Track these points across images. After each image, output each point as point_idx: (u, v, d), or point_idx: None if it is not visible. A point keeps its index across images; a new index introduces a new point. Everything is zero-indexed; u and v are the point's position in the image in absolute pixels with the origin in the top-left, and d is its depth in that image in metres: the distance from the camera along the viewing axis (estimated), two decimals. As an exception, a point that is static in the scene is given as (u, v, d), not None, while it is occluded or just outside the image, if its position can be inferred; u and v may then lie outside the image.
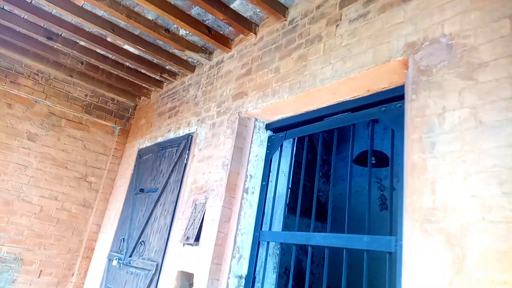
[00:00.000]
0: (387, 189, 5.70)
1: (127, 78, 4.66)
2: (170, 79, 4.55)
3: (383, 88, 2.32)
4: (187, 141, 3.68)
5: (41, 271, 4.30)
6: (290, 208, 2.94)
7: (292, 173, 3.19)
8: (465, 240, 1.44)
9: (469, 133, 1.58)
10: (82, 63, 4.42)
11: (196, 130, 3.67)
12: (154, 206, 3.68)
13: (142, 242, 3.61)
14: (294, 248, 2.62)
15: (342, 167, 6.21)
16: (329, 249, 2.31)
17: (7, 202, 4.24)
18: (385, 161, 4.46)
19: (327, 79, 2.46)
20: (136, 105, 5.33)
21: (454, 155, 1.59)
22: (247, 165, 3.03)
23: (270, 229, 2.83)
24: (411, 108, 1.86)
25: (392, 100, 2.26)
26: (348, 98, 2.52)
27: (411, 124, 1.82)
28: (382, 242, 1.96)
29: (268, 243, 2.81)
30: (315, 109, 2.79)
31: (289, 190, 3.22)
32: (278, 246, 2.94)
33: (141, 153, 4.53)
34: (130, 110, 5.29)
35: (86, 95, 4.91)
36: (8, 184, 4.28)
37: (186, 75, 4.33)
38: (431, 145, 1.68)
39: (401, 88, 2.16)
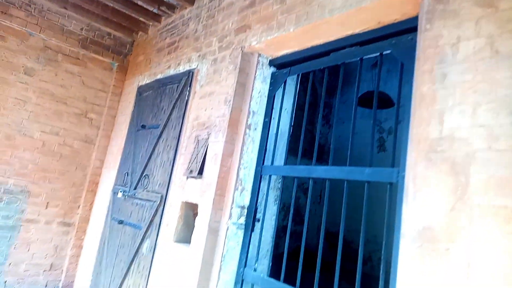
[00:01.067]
0: (385, 131, 5.76)
1: (123, 11, 4.44)
2: (169, 12, 4.34)
3: (394, 20, 2.23)
4: (188, 77, 3.61)
5: (47, 203, 4.44)
6: (291, 149, 2.97)
7: (294, 113, 3.19)
8: (470, 168, 1.47)
9: (483, 63, 1.55)
10: (75, -8, 4.18)
11: (197, 66, 3.58)
12: (157, 142, 3.71)
13: (146, 176, 3.69)
14: (295, 183, 2.68)
15: (342, 110, 6.21)
16: (329, 181, 2.37)
17: (8, 137, 4.25)
18: (386, 103, 4.44)
19: (336, 10, 2.35)
20: (134, 40, 5.15)
21: (465, 86, 1.57)
22: (250, 101, 3.00)
23: (272, 163, 2.88)
24: (424, 39, 1.80)
25: (403, 32, 2.18)
26: (357, 31, 2.43)
27: (423, 55, 1.77)
28: (384, 174, 2.01)
29: (270, 176, 2.87)
30: (321, 43, 2.70)
31: (291, 128, 3.23)
32: (280, 181, 3.01)
33: (140, 90, 4.47)
34: (128, 46, 5.12)
35: (82, 29, 4.72)
36: (8, 119, 4.26)
37: (185, 8, 4.13)
38: (442, 76, 1.65)
39: (414, 19, 2.08)
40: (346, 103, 6.08)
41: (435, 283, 1.46)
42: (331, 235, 4.61)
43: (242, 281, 2.72)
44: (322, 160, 5.86)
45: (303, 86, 4.57)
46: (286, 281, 2.43)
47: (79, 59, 4.76)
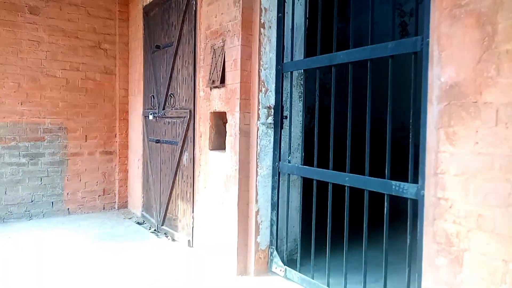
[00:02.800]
0: (407, 15, 5.43)
1: None
2: None
3: None
4: (192, -15, 3.44)
5: (86, 136, 4.72)
6: (309, 46, 2.89)
7: (308, 5, 3.04)
8: (497, 16, 1.41)
9: None
10: None
11: (200, -30, 3.38)
12: (174, 60, 3.72)
13: (171, 95, 3.78)
14: (317, 73, 2.68)
15: (358, 1, 5.81)
16: (352, 65, 2.35)
17: (33, 79, 4.38)
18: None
19: None
20: (128, -42, 4.84)
21: None
22: (260, -3, 2.87)
23: (291, 59, 2.86)
24: None
25: None
26: None
27: None
28: (407, 44, 1.97)
29: (291, 73, 2.88)
30: None
31: (307, 20, 3.12)
32: (302, 77, 3.02)
33: (146, 10, 4.34)
34: (123, -35, 4.84)
35: (72, -46, 4.46)
36: (28, 62, 4.34)
37: None
38: None
39: None
40: (362, -10, 5.67)
41: (466, 135, 1.52)
42: (358, 124, 4.71)
43: (279, 173, 2.92)
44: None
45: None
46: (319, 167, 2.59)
47: (78, -12, 4.59)
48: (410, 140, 1.95)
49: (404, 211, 1.99)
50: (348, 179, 2.34)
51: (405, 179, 1.98)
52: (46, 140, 4.48)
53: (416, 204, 1.87)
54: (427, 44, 1.78)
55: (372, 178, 2.19)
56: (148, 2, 4.33)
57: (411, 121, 1.94)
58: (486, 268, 1.45)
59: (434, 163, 1.64)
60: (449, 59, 1.57)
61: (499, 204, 1.41)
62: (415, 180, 1.90)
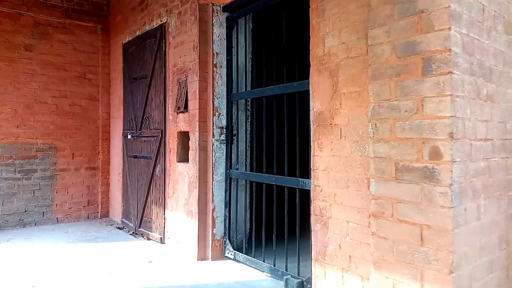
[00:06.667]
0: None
1: (95, -23, 4.99)
2: (134, -27, 4.88)
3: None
4: (161, 31, 4.33)
5: (73, 154, 5.46)
6: (259, 75, 3.81)
7: (256, 47, 3.95)
8: (338, 72, 2.33)
9: (344, -1, 2.32)
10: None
11: (167, 20, 4.28)
12: (148, 89, 4.56)
13: (146, 118, 4.61)
14: (254, 102, 3.56)
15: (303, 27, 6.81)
16: (274, 98, 3.25)
17: (28, 105, 5.13)
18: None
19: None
20: (109, 2, 5.71)
21: (335, 17, 2.36)
22: (213, 45, 3.77)
23: (237, 91, 3.75)
24: (314, -16, 2.54)
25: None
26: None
27: (313, -3, 2.53)
28: (304, 84, 2.87)
29: (237, 101, 3.76)
30: (258, -12, 3.39)
31: (251, 59, 4.02)
32: (248, 103, 3.90)
33: (126, 47, 5.19)
34: (105, 8, 5.71)
35: (62, 0, 5.30)
36: (23, 91, 5.10)
37: (148, -33, 4.67)
38: (322, 11, 2.44)
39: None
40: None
41: (327, 145, 2.42)
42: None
43: (230, 178, 3.76)
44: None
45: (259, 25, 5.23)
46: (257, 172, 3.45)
47: (66, 28, 5.42)
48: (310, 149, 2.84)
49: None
50: (274, 179, 3.21)
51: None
52: (38, 158, 5.21)
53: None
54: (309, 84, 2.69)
55: (289, 177, 3.06)
56: (127, 41, 5.19)
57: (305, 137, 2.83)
58: (339, 227, 2.32)
59: (312, 163, 2.52)
60: (318, 96, 2.48)
61: (343, 186, 2.30)
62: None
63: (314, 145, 2.51)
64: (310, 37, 2.56)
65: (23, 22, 5.09)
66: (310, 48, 2.56)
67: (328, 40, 2.40)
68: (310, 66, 2.64)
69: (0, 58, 4.94)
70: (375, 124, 1.92)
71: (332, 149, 2.38)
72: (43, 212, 5.24)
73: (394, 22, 1.87)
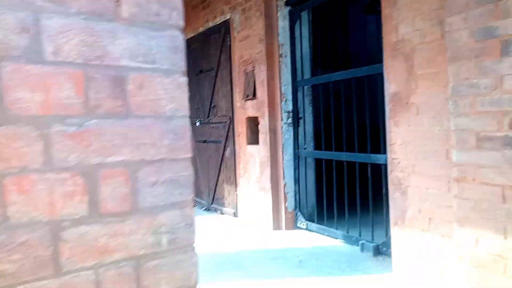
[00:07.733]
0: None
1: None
2: (194, -27, 5.27)
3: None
4: (225, 27, 4.71)
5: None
6: (316, 63, 4.12)
7: (314, 37, 4.24)
8: (413, 55, 2.62)
9: (417, -10, 2.58)
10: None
11: (230, 16, 4.65)
12: (215, 81, 4.99)
13: (214, 106, 5.06)
14: (320, 88, 3.89)
15: (354, 19, 6.98)
16: (343, 82, 3.55)
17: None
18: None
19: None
20: (168, 1, 6.15)
21: (407, 6, 2.63)
22: (278, 37, 4.11)
23: (302, 78, 4.08)
24: (384, -24, 2.81)
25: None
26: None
27: (384, -12, 2.80)
28: (375, 68, 3.15)
29: (303, 87, 4.10)
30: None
31: (312, 48, 4.32)
32: (310, 89, 4.22)
33: (189, 44, 5.62)
34: (165, 7, 6.16)
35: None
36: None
37: (208, -34, 5.04)
38: (394, 2, 2.71)
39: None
40: (356, 13, 6.85)
41: (403, 122, 2.72)
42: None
43: (298, 157, 4.14)
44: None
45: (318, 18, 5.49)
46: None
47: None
48: (380, 127, 3.15)
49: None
50: (345, 156, 3.55)
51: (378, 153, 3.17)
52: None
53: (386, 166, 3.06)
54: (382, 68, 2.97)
55: (360, 153, 3.39)
56: (189, 37, 5.62)
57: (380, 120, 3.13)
58: (418, 195, 2.64)
59: (389, 138, 2.84)
60: (394, 78, 2.77)
61: (422, 158, 2.61)
62: (385, 152, 3.09)
63: (390, 122, 2.82)
64: (381, 25, 2.85)
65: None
66: (383, 36, 2.84)
67: (401, 27, 2.68)
68: (383, 51, 2.92)
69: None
70: (456, 100, 2.21)
71: (409, 125, 2.68)
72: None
73: (470, 10, 2.13)
